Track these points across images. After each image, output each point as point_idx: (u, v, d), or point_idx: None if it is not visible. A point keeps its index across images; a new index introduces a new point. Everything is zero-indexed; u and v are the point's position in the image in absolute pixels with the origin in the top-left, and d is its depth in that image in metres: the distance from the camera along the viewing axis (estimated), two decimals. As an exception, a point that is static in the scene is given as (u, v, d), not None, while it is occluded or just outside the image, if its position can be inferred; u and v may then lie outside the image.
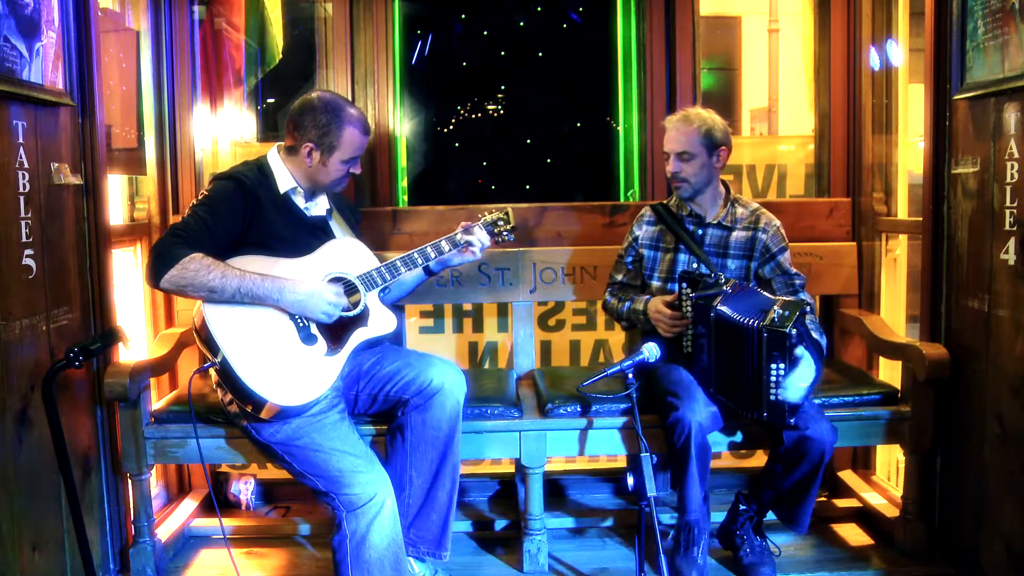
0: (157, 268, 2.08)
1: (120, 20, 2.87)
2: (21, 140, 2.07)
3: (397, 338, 3.11)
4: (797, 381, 2.19)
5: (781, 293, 2.50)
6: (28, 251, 2.10)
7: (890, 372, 2.91)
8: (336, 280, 2.28)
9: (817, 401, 2.46)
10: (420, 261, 2.38)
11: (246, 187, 2.22)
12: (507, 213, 2.49)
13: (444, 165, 3.73)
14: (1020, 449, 2.16)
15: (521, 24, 3.70)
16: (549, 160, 3.73)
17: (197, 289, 2.09)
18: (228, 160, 3.27)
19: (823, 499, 2.96)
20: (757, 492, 2.50)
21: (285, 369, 2.14)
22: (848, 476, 3.07)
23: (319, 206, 2.39)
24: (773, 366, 2.18)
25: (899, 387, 2.62)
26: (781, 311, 2.19)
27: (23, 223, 2.08)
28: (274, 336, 2.17)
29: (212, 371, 2.22)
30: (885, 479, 3.03)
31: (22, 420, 2.08)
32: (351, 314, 2.26)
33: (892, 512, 2.71)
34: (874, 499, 2.86)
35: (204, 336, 2.14)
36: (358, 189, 3.14)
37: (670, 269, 2.61)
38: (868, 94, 3.02)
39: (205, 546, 2.78)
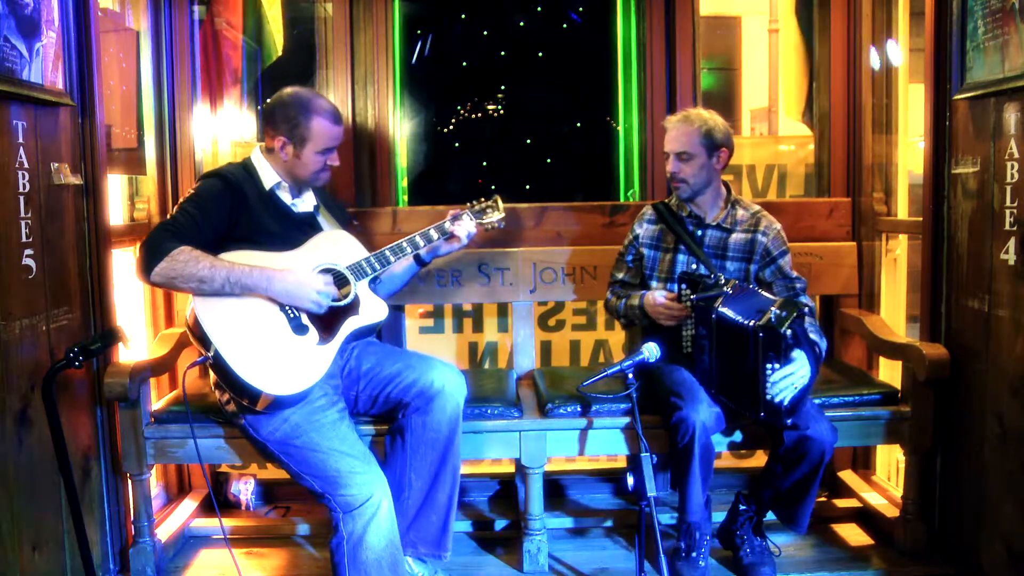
0: (147, 261, 2.10)
1: (120, 20, 2.87)
2: (21, 140, 2.07)
3: (397, 339, 3.12)
4: (790, 382, 2.19)
5: (782, 297, 2.50)
6: (28, 251, 2.10)
7: (890, 372, 2.91)
8: (326, 271, 2.29)
9: (817, 401, 2.45)
10: (409, 249, 2.39)
11: (232, 183, 2.25)
12: (496, 200, 2.51)
13: (444, 165, 3.72)
14: (1020, 449, 2.16)
15: (521, 24, 3.70)
16: (549, 160, 3.72)
17: (187, 280, 2.10)
18: (228, 160, 3.25)
19: (823, 499, 2.96)
20: (757, 492, 2.50)
21: (277, 359, 2.15)
22: (848, 476, 3.07)
23: (306, 202, 2.41)
24: (768, 366, 2.18)
25: (899, 387, 2.62)
26: (778, 312, 2.19)
27: (23, 223, 2.08)
28: (265, 328, 2.18)
29: (212, 372, 2.22)
30: (885, 479, 3.03)
31: (22, 420, 2.08)
32: (342, 304, 2.28)
33: (892, 512, 2.71)
34: (874, 499, 2.86)
35: (197, 332, 2.16)
36: (358, 189, 3.14)
37: (670, 269, 2.61)
38: (868, 94, 3.02)
39: (205, 546, 2.78)
